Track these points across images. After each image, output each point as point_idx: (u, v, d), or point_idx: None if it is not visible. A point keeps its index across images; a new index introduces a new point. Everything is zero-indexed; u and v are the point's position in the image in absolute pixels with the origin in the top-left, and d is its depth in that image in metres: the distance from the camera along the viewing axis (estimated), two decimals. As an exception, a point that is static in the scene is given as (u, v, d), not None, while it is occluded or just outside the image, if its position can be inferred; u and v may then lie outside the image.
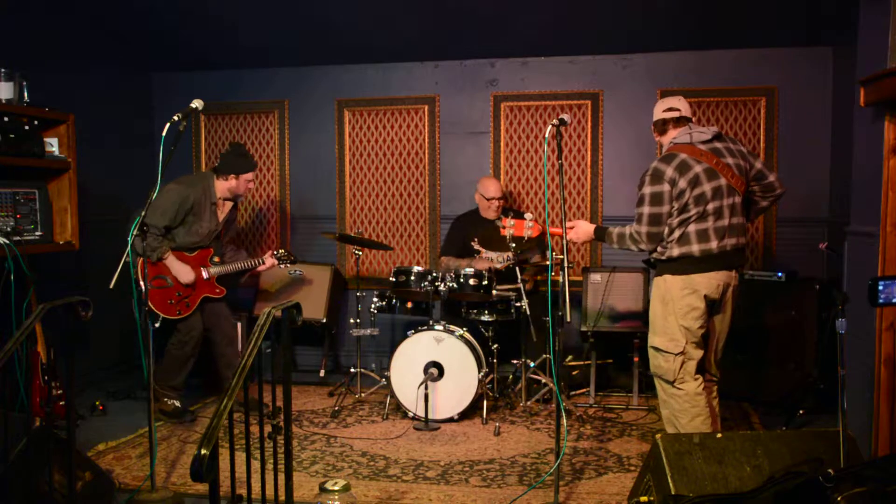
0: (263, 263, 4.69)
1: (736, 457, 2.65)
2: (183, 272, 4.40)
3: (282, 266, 4.73)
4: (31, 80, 3.99)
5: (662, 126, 3.43)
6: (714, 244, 3.21)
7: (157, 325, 4.84)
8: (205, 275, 4.50)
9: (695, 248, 3.21)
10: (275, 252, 4.71)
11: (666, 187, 3.19)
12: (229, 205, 4.63)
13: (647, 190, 3.23)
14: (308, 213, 5.83)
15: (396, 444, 4.04)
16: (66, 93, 4.74)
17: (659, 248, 3.28)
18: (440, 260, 5.18)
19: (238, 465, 2.45)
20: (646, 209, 3.23)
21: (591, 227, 3.47)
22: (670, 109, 3.40)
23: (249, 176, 4.54)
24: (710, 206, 3.20)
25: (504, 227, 3.55)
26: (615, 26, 4.98)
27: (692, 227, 3.20)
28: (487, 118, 5.55)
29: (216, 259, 4.56)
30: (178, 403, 4.48)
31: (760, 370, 4.62)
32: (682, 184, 3.17)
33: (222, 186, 4.50)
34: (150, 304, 4.33)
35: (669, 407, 3.30)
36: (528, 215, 3.58)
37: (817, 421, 4.20)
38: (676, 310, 3.23)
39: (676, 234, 3.22)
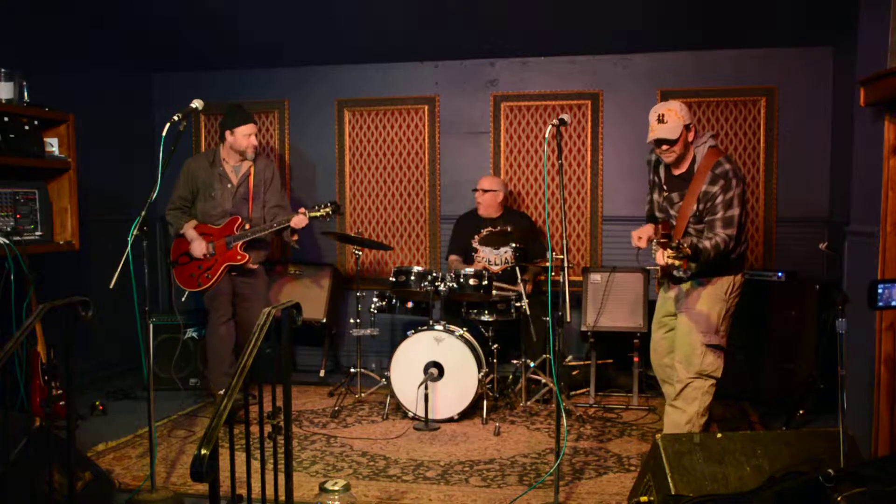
0: (288, 222, 4.46)
1: (736, 457, 2.65)
2: (195, 245, 4.50)
3: (318, 215, 4.47)
4: (31, 80, 3.99)
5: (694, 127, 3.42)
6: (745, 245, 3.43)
7: (183, 298, 4.95)
8: (228, 244, 4.51)
9: (742, 247, 3.37)
10: (314, 207, 4.51)
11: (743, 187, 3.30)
12: (246, 164, 4.59)
13: (738, 191, 3.22)
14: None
15: (396, 444, 4.04)
16: (66, 93, 4.74)
17: None
18: (449, 259, 5.20)
19: (238, 465, 2.45)
20: (736, 211, 3.22)
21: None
22: None
23: (245, 129, 4.49)
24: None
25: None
26: (615, 26, 4.98)
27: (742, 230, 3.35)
28: (487, 118, 5.55)
29: (247, 227, 4.55)
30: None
31: (760, 370, 4.62)
32: (743, 185, 3.30)
33: (226, 148, 4.56)
34: (175, 280, 4.61)
35: (703, 403, 3.37)
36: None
37: (817, 421, 4.20)
38: (730, 308, 3.36)
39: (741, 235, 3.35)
